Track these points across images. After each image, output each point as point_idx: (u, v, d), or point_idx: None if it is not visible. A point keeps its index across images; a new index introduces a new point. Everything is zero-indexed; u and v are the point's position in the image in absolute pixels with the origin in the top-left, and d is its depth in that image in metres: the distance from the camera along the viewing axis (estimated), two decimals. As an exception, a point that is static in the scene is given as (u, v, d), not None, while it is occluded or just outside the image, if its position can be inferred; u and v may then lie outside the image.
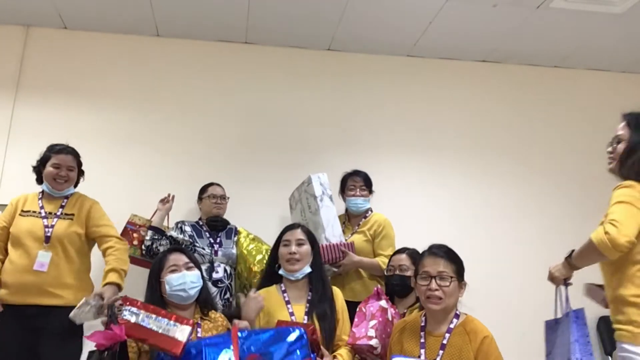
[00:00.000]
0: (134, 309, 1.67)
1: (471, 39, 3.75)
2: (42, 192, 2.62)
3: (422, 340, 1.89)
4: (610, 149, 1.96)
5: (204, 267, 2.79)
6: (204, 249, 2.91)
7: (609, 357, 3.48)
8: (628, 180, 1.83)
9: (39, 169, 2.61)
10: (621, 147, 1.90)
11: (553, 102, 4.06)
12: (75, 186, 2.69)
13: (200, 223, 3.08)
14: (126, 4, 3.39)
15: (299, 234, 2.30)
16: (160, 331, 1.64)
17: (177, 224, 3.04)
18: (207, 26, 3.65)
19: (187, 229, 3.00)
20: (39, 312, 2.35)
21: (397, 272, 2.46)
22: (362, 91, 3.88)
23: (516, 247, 3.66)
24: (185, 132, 3.63)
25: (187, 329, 1.66)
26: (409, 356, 1.87)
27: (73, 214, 2.54)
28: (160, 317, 1.67)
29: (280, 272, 2.26)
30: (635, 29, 3.57)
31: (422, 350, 1.86)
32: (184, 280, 1.97)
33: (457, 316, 1.91)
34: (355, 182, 3.03)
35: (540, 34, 3.65)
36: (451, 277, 1.88)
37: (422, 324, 1.94)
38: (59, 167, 2.57)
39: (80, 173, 2.69)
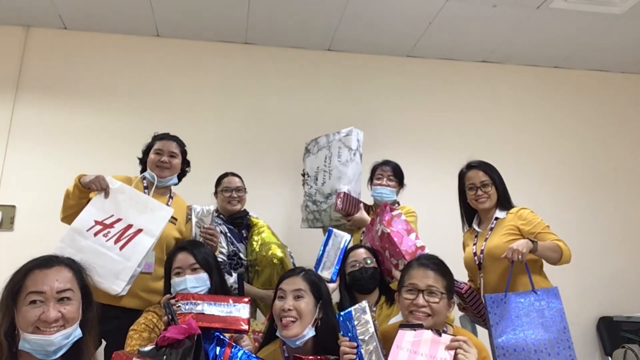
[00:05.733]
0: (192, 301, 1.70)
1: (471, 39, 3.76)
2: (144, 178, 2.41)
3: None
4: None
5: (246, 274, 2.69)
6: (247, 260, 2.70)
7: (609, 358, 3.48)
8: None
9: (144, 159, 2.47)
10: None
11: (553, 103, 4.06)
12: (180, 179, 2.53)
13: (224, 218, 2.79)
14: (126, 4, 3.39)
15: (297, 282, 1.76)
16: (223, 314, 1.68)
17: (214, 226, 2.68)
18: (207, 26, 3.65)
19: (225, 229, 2.74)
20: (118, 314, 2.12)
21: (363, 265, 2.31)
22: (361, 91, 3.88)
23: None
24: (184, 132, 3.60)
25: (246, 306, 1.72)
26: None
27: (176, 219, 2.37)
28: (219, 302, 1.71)
29: (278, 334, 1.74)
30: (635, 29, 3.57)
31: None
32: (184, 285, 1.90)
33: (444, 331, 1.65)
34: (384, 171, 2.86)
35: (540, 34, 3.65)
36: (442, 294, 1.67)
37: None
38: (160, 153, 2.41)
39: (185, 163, 2.53)
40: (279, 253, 2.60)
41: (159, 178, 2.39)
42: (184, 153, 2.51)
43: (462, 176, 2.50)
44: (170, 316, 1.64)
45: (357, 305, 1.70)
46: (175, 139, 2.50)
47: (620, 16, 3.39)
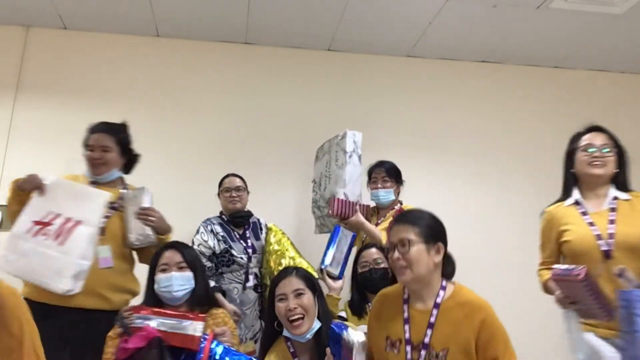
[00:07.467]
0: (145, 316, 1.68)
1: (471, 39, 3.75)
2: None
3: (406, 315, 1.62)
4: None
5: (241, 272, 2.75)
6: (242, 258, 2.77)
7: (609, 357, 3.47)
8: None
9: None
10: None
11: (553, 103, 4.06)
12: (129, 170, 2.40)
13: (225, 219, 2.92)
14: (126, 4, 3.39)
15: (295, 282, 1.85)
16: (175, 331, 1.66)
17: (206, 225, 2.85)
18: (207, 26, 3.65)
19: (218, 229, 2.84)
20: (82, 317, 2.04)
21: (373, 266, 2.36)
22: (361, 91, 3.88)
23: (518, 250, 3.66)
24: (185, 132, 3.63)
25: (200, 324, 1.70)
26: (392, 335, 1.63)
27: None
28: (172, 318, 1.69)
29: (286, 333, 1.84)
30: (635, 29, 3.57)
31: (407, 327, 1.60)
32: (170, 282, 1.92)
33: (443, 288, 1.63)
34: (377, 174, 2.86)
35: (540, 34, 3.65)
36: (410, 241, 1.60)
37: (405, 297, 1.67)
38: (92, 149, 2.27)
39: (126, 153, 2.36)
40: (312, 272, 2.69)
41: (94, 175, 2.27)
42: (122, 143, 2.34)
43: (576, 138, 2.14)
44: (124, 329, 1.64)
45: (351, 335, 1.68)
46: (108, 130, 2.33)
47: (620, 16, 3.39)
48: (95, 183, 2.27)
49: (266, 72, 3.82)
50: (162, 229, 2.27)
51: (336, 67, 3.91)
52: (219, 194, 3.00)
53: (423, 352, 1.54)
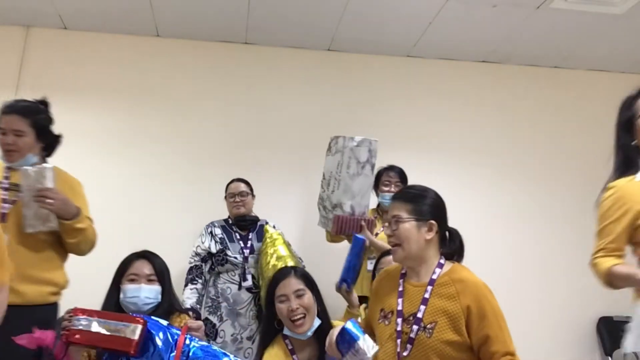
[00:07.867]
0: (84, 318, 1.62)
1: (471, 39, 3.75)
2: None
3: (400, 289, 1.64)
4: None
5: (236, 273, 2.85)
6: (236, 257, 2.87)
7: (609, 358, 3.48)
8: None
9: None
10: None
11: (553, 103, 4.06)
12: (49, 154, 2.14)
13: (230, 222, 3.03)
14: (126, 4, 3.39)
15: (294, 283, 1.90)
16: (111, 334, 1.59)
17: (207, 228, 2.98)
18: (207, 26, 3.65)
19: (218, 231, 2.96)
20: None
21: None
22: (361, 91, 3.88)
23: (519, 249, 3.66)
24: (184, 132, 3.63)
25: (138, 327, 1.61)
26: (386, 307, 1.65)
27: None
28: (110, 320, 1.62)
29: (286, 332, 1.89)
30: (635, 29, 3.56)
31: (400, 300, 1.62)
32: (138, 294, 1.87)
33: (440, 265, 1.62)
34: (390, 177, 2.93)
35: (540, 34, 3.65)
36: (400, 218, 1.61)
37: (403, 272, 1.69)
38: (4, 132, 2.01)
39: (44, 135, 2.09)
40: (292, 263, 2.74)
41: (8, 162, 2.04)
42: (37, 125, 2.07)
43: (629, 104, 1.78)
44: (62, 330, 1.60)
45: (363, 344, 1.50)
46: (22, 111, 2.05)
47: (620, 16, 3.39)
48: (10, 169, 2.06)
49: (266, 72, 3.82)
50: (66, 212, 1.99)
51: (336, 67, 3.90)
52: (225, 198, 3.08)
53: (415, 327, 1.54)
